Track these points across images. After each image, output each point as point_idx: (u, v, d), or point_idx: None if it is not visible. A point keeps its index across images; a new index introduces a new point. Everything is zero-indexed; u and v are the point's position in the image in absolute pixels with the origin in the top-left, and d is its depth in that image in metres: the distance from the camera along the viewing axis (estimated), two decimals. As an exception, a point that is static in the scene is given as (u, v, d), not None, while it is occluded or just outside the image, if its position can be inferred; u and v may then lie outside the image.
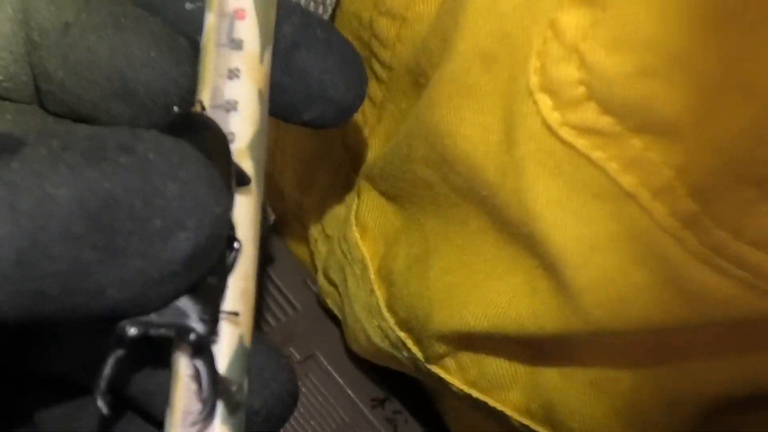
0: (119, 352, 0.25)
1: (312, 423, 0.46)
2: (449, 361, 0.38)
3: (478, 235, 0.35)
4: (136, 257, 0.24)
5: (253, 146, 0.28)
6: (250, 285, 0.27)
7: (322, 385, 0.47)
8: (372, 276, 0.40)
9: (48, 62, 0.28)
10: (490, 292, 0.35)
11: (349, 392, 0.47)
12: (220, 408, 0.25)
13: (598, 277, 0.31)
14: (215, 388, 0.25)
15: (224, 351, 0.26)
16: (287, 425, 0.45)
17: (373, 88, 0.39)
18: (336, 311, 0.46)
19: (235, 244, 0.27)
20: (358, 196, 0.41)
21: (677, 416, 0.34)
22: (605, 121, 0.29)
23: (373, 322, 0.40)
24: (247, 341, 0.27)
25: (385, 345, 0.41)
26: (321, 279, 0.45)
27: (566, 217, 0.31)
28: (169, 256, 0.24)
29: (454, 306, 0.36)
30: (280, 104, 0.30)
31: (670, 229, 0.29)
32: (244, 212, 0.27)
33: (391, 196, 0.39)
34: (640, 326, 0.32)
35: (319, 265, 0.45)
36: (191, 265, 0.25)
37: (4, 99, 0.30)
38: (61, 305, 0.23)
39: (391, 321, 0.39)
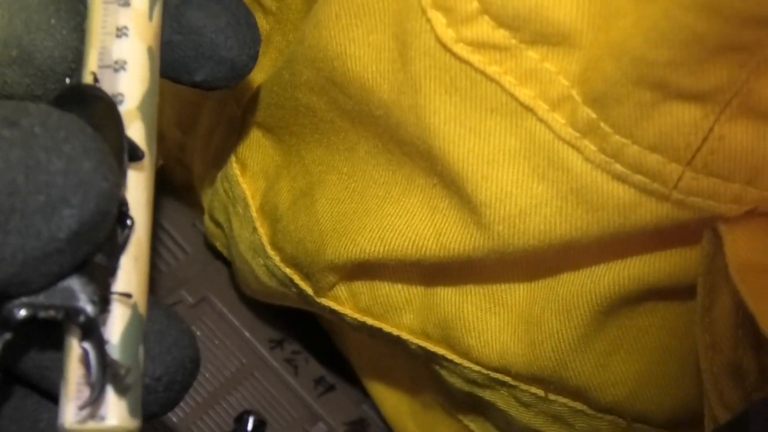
0: (6, 335, 0.24)
1: (209, 367, 0.45)
2: (340, 291, 0.38)
3: (367, 160, 0.34)
4: (17, 234, 0.23)
5: (144, 107, 0.27)
6: (144, 252, 0.27)
7: (218, 328, 0.46)
8: (254, 214, 0.39)
9: None
10: (385, 216, 0.34)
11: (246, 334, 0.46)
12: (110, 391, 0.25)
13: (499, 192, 0.31)
14: (103, 373, 0.25)
15: (116, 331, 0.26)
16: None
17: (260, 21, 0.38)
18: (225, 253, 0.45)
19: (128, 221, 0.26)
20: (238, 133, 0.40)
21: (572, 322, 0.35)
22: (500, 35, 0.29)
23: (259, 261, 0.40)
24: (143, 309, 0.26)
25: (273, 283, 0.40)
26: (207, 221, 0.44)
27: (464, 132, 0.31)
28: (52, 233, 0.24)
29: (348, 235, 0.35)
30: (171, 64, 0.30)
31: (569, 139, 0.29)
32: (137, 186, 0.27)
33: (268, 128, 0.38)
34: (543, 239, 0.32)
35: (205, 206, 0.44)
36: (76, 242, 0.24)
37: None
38: None
39: (276, 258, 0.39)
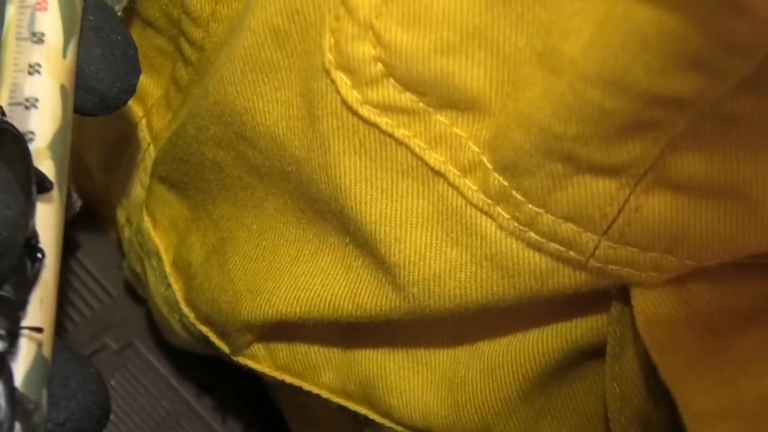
0: None
1: (133, 417, 0.43)
2: (257, 349, 0.36)
3: (276, 217, 0.33)
4: None
5: (54, 145, 0.27)
6: (51, 293, 0.26)
7: (143, 375, 0.44)
8: (168, 269, 0.38)
9: None
10: (299, 275, 0.33)
11: (172, 381, 0.44)
12: (17, 428, 0.24)
13: (412, 255, 0.30)
14: (13, 407, 0.24)
15: (21, 366, 0.25)
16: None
17: (180, 71, 0.36)
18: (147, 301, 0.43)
19: (38, 255, 0.26)
20: (149, 184, 0.39)
21: (496, 383, 0.34)
22: (406, 99, 0.28)
23: (175, 317, 0.38)
24: (47, 352, 0.26)
25: (191, 339, 0.39)
26: (126, 268, 0.43)
27: (375, 193, 0.30)
28: None
29: (262, 295, 0.34)
30: None
31: (481, 206, 0.28)
32: (46, 220, 0.26)
33: (173, 183, 0.37)
34: (458, 303, 0.31)
35: (126, 252, 0.43)
36: None
37: None
38: None
39: (191, 315, 0.37)
